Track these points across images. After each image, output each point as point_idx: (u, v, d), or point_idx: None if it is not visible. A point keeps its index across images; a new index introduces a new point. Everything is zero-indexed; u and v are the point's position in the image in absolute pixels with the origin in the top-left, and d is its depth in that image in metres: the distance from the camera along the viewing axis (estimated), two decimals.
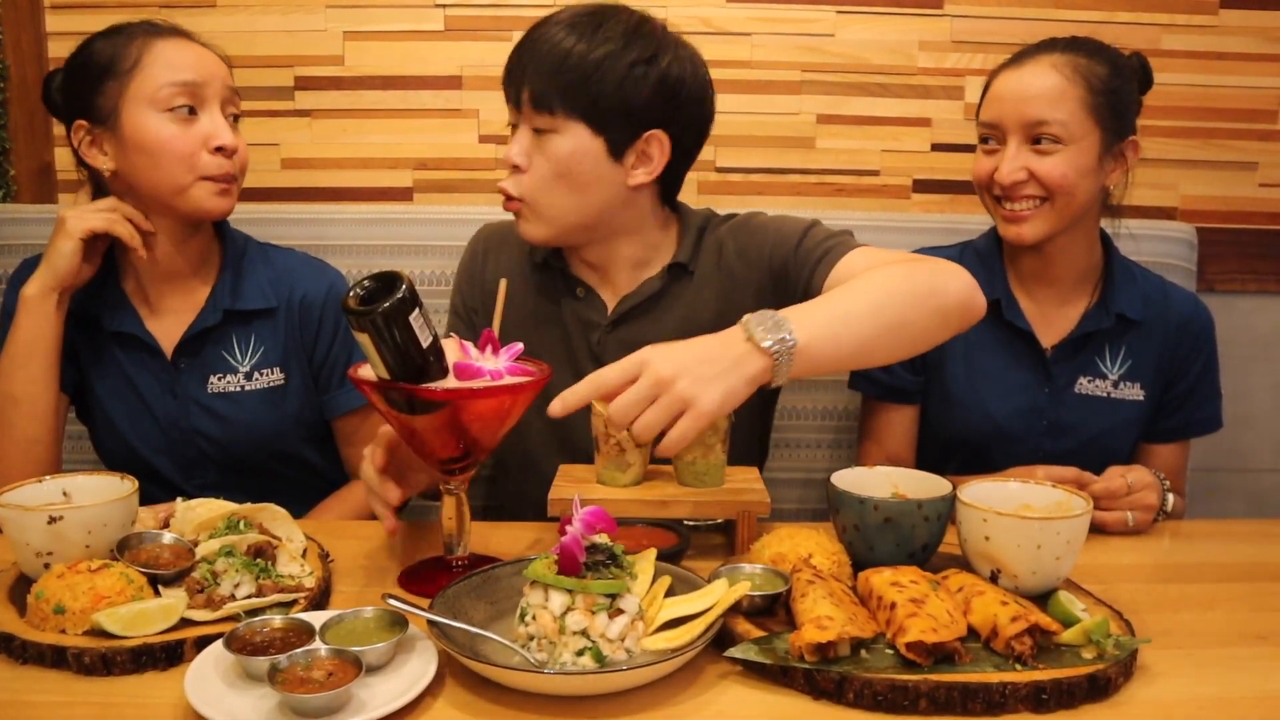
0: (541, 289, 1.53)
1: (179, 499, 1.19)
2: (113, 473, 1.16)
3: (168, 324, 1.53)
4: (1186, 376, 1.61)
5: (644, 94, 1.37)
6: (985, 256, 1.63)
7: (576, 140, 1.37)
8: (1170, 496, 1.42)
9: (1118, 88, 1.50)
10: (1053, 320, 1.60)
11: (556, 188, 1.39)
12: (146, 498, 1.43)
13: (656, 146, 1.41)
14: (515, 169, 1.39)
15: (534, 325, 1.51)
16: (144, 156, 1.42)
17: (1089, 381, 1.59)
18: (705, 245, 1.50)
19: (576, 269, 1.52)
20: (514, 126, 1.42)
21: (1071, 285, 1.60)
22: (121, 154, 1.44)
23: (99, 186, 1.51)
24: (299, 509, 1.55)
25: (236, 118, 1.50)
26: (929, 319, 1.20)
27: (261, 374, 1.55)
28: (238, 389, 1.54)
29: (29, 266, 1.51)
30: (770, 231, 1.46)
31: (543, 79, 1.35)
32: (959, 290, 1.23)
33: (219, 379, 1.53)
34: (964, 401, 1.61)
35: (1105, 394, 1.59)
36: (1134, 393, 1.59)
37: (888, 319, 1.17)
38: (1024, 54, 1.54)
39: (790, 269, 1.41)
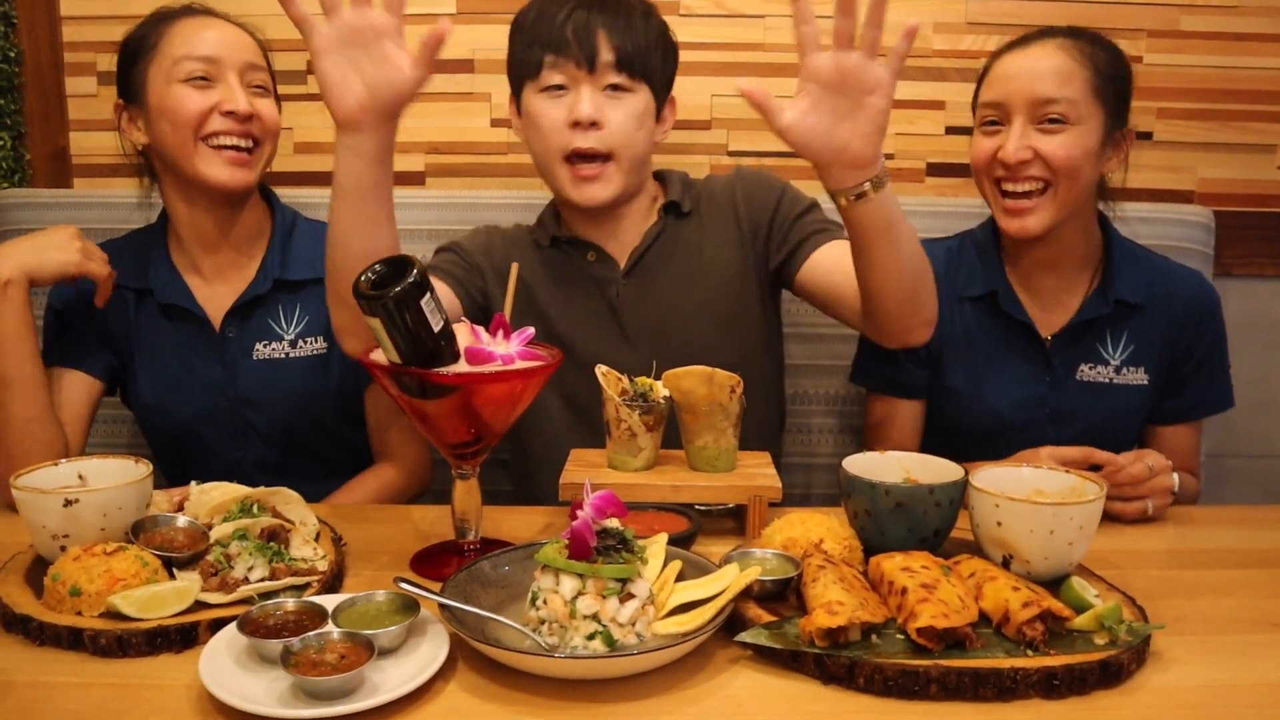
0: (554, 264, 1.61)
1: (193, 482, 1.20)
2: (128, 456, 1.17)
3: (217, 292, 1.58)
4: (1193, 356, 1.60)
5: (674, 63, 1.58)
6: (983, 247, 1.63)
7: (644, 100, 1.52)
8: (1176, 477, 1.40)
9: (1119, 75, 1.50)
10: (1052, 309, 1.59)
11: (635, 140, 1.51)
12: (192, 471, 1.46)
13: (670, 109, 1.60)
14: (594, 125, 1.47)
15: (556, 298, 1.59)
16: (164, 123, 1.48)
17: (1090, 368, 1.58)
18: (697, 190, 1.64)
19: (585, 235, 1.60)
20: (558, 88, 1.49)
21: (1071, 272, 1.59)
22: (150, 126, 1.50)
23: (148, 170, 1.59)
24: (336, 486, 1.60)
25: (264, 89, 1.53)
26: (915, 287, 1.34)
27: (305, 342, 1.59)
28: (282, 356, 1.58)
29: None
30: (779, 189, 1.61)
31: (625, 41, 1.48)
32: (933, 302, 1.39)
33: (264, 346, 1.58)
34: (965, 394, 1.60)
35: (1108, 380, 1.58)
36: (1137, 378, 1.58)
37: (910, 255, 1.31)
38: (1028, 38, 1.53)
39: (782, 232, 1.57)
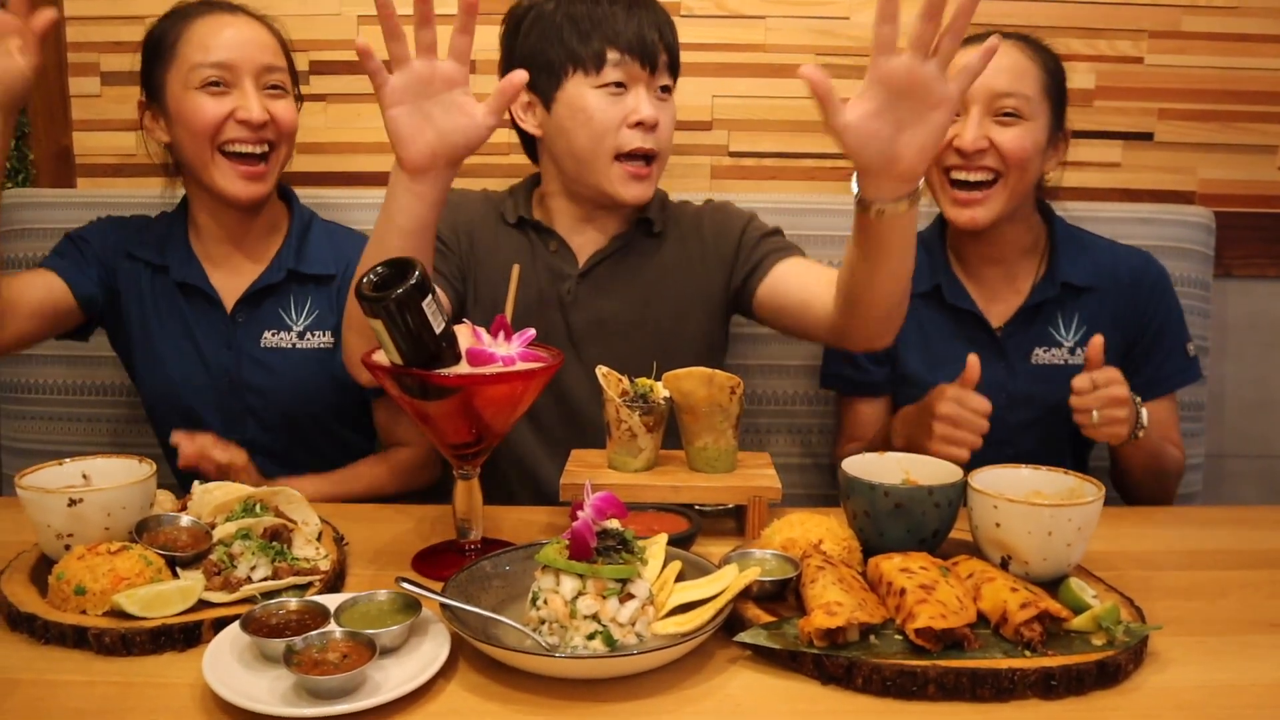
0: (513, 244, 1.60)
1: (196, 482, 1.20)
2: (132, 455, 1.17)
3: (231, 280, 1.61)
4: (1148, 330, 1.63)
5: None
6: (928, 245, 1.68)
7: (674, 104, 1.55)
8: (1143, 411, 1.45)
9: (1061, 78, 1.58)
10: (1001, 298, 1.64)
11: (671, 144, 1.55)
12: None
13: None
14: (655, 127, 1.50)
15: (506, 277, 1.55)
16: (181, 129, 1.51)
17: (1045, 351, 1.62)
18: (671, 214, 1.64)
19: (552, 224, 1.60)
20: (619, 86, 1.49)
21: (1016, 263, 1.65)
22: (170, 128, 1.53)
23: (173, 166, 1.63)
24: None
25: (281, 88, 1.54)
26: (902, 297, 1.32)
27: (313, 335, 1.61)
28: (289, 346, 1.60)
29: (108, 222, 1.65)
30: (743, 219, 1.63)
31: (674, 44, 1.51)
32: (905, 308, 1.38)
33: (273, 334, 1.60)
34: (923, 386, 1.62)
35: (1063, 361, 1.62)
36: None
37: (909, 269, 1.29)
38: (980, 37, 1.56)
39: (746, 252, 1.58)
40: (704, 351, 1.63)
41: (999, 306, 1.64)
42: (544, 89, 1.53)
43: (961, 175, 1.55)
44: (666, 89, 1.53)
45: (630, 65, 1.48)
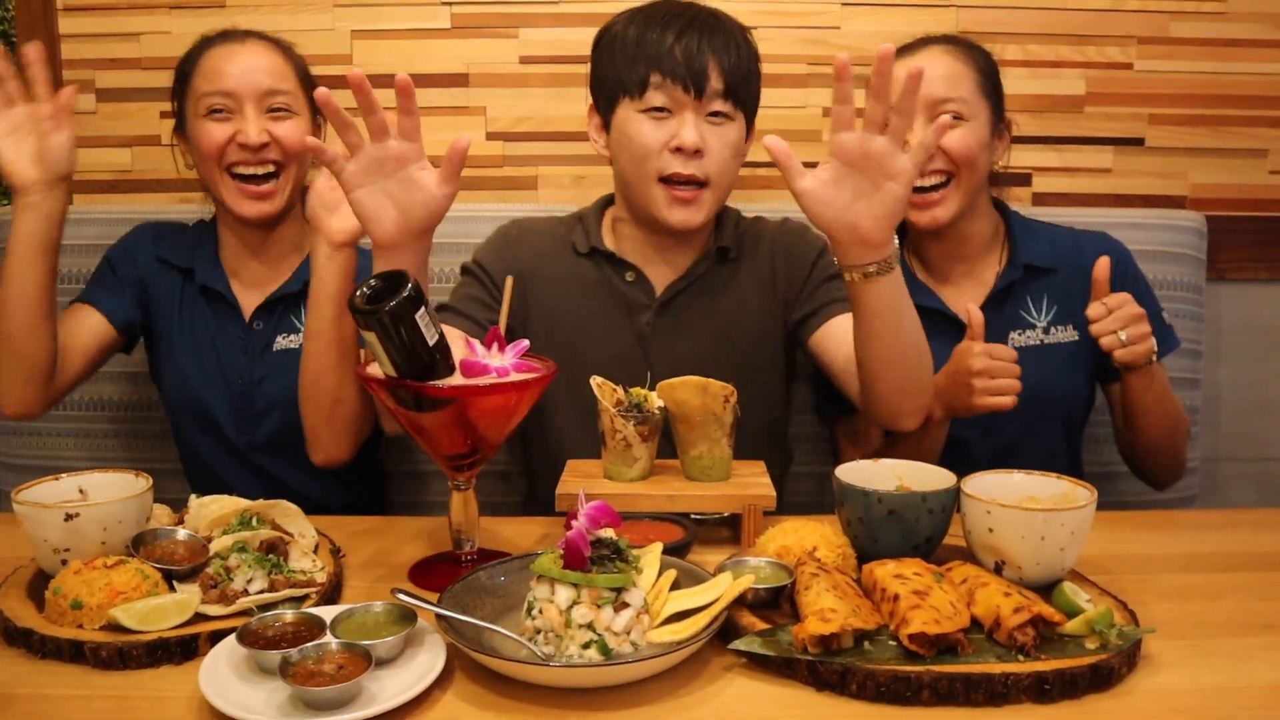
0: (587, 276, 1.59)
1: (192, 495, 1.21)
2: (128, 470, 1.18)
3: (250, 291, 1.66)
4: None
5: (759, 90, 1.54)
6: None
7: (740, 129, 1.51)
8: (1152, 339, 1.46)
9: (995, 74, 1.64)
10: (969, 291, 1.67)
11: (730, 170, 1.51)
12: (202, 453, 1.61)
13: (751, 139, 1.55)
14: (697, 153, 1.46)
15: (583, 312, 1.57)
16: (195, 154, 1.57)
17: (1019, 334, 1.64)
18: (745, 234, 1.62)
19: (625, 254, 1.58)
20: (662, 110, 1.46)
21: (978, 256, 1.68)
22: (189, 153, 1.61)
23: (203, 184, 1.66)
24: (332, 480, 1.63)
25: (286, 109, 1.56)
26: (910, 374, 1.34)
27: None
28: (298, 346, 1.62)
29: (146, 229, 1.70)
30: (815, 251, 1.60)
31: (733, 69, 1.46)
32: (928, 391, 1.40)
33: (284, 338, 1.65)
34: None
35: (1038, 341, 1.64)
36: (1067, 334, 1.64)
37: (910, 343, 1.32)
38: (913, 45, 1.64)
39: (810, 291, 1.56)
40: (780, 376, 1.63)
41: (966, 299, 1.64)
42: (604, 113, 1.53)
43: (917, 180, 1.56)
44: (720, 114, 1.48)
45: (673, 90, 1.45)
